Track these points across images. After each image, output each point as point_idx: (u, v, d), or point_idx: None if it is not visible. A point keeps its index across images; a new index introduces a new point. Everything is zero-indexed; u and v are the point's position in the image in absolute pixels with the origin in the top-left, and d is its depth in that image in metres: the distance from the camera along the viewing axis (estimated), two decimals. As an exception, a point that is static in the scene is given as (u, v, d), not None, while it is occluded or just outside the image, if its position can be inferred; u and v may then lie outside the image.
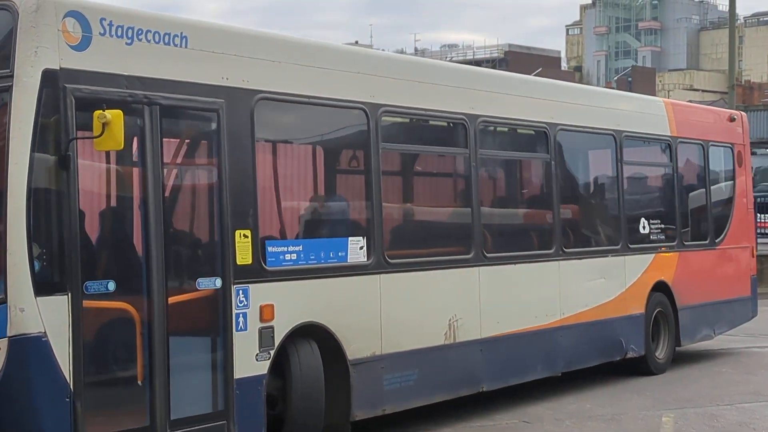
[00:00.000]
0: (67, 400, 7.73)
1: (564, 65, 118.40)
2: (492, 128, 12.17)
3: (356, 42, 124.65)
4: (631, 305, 14.24)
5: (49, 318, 7.63)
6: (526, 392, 12.69)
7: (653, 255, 14.78)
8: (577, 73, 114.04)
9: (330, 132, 10.72)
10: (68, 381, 7.73)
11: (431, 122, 11.55)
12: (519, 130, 12.83)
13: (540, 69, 72.40)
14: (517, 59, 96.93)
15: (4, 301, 7.54)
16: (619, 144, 14.23)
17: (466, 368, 11.53)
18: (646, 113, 15.06)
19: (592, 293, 13.44)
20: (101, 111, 7.72)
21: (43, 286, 7.63)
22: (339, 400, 10.03)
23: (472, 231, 11.63)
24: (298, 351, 9.53)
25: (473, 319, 11.54)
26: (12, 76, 7.68)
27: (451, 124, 11.65)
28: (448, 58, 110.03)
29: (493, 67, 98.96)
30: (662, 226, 15.04)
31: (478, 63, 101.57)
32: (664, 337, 15.05)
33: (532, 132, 12.94)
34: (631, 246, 14.28)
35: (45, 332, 7.61)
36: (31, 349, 7.59)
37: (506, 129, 12.60)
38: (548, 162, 12.92)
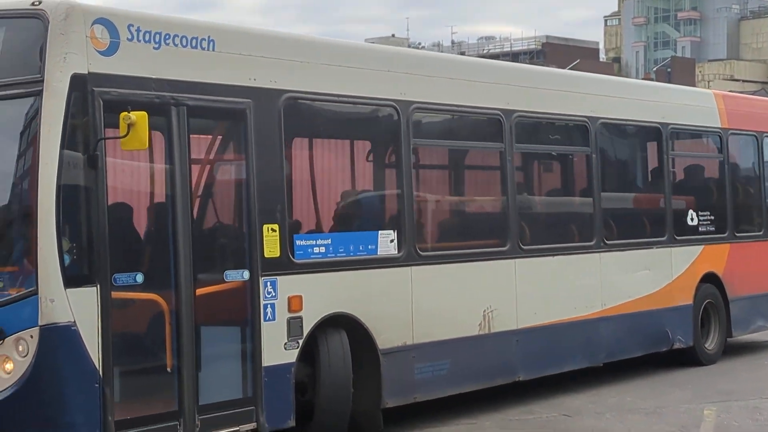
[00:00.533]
0: (96, 386, 8.18)
1: (602, 56, 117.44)
2: (528, 123, 12.40)
3: (393, 35, 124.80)
4: (679, 296, 14.37)
5: (78, 308, 8.09)
6: (566, 385, 12.89)
7: (702, 246, 14.87)
8: (615, 65, 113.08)
9: (360, 129, 11.08)
10: (97, 368, 8.18)
11: (465, 118, 11.83)
12: (557, 125, 13.06)
13: (578, 61, 71.76)
14: (555, 51, 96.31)
15: (35, 293, 8.00)
16: (666, 137, 14.36)
17: (502, 358, 11.80)
18: (694, 105, 15.14)
19: (636, 284, 13.62)
20: (126, 113, 8.17)
21: (72, 278, 8.08)
22: (370, 388, 10.38)
23: (508, 224, 11.90)
24: (327, 340, 9.90)
25: (509, 310, 11.81)
26: (42, 81, 8.14)
27: (486, 120, 11.93)
28: (485, 51, 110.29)
29: (531, 59, 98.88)
30: (712, 217, 15.13)
31: (515, 55, 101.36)
32: (715, 329, 15.14)
33: (572, 126, 13.15)
34: (678, 237, 14.41)
35: (74, 322, 8.07)
36: (60, 338, 8.04)
37: (543, 123, 12.85)
38: (589, 155, 13.12)
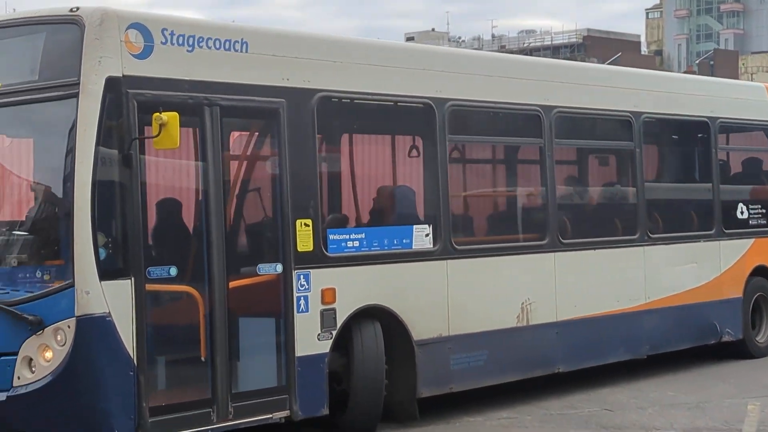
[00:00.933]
0: (131, 373, 8.59)
1: (644, 49, 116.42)
2: (568, 118, 12.58)
3: (433, 29, 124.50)
4: (727, 289, 14.44)
5: (113, 300, 8.50)
6: (608, 380, 13.00)
7: (753, 240, 14.91)
8: (657, 58, 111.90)
9: (395, 126, 11.37)
10: (132, 356, 8.59)
11: (502, 114, 12.05)
12: (598, 120, 13.22)
13: (619, 54, 70.89)
14: (596, 44, 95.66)
15: (71, 285, 8.43)
16: (714, 130, 14.43)
17: (541, 350, 12.01)
18: (744, 99, 15.18)
19: (683, 278, 13.74)
20: (158, 113, 8.56)
21: (107, 271, 8.49)
22: (405, 378, 10.68)
23: (547, 218, 12.11)
24: (360, 332, 10.21)
25: (548, 303, 12.02)
26: (79, 84, 8.56)
27: (525, 116, 12.15)
28: (525, 44, 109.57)
29: (571, 53, 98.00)
30: (763, 211, 15.15)
31: (556, 48, 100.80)
32: (766, 321, 15.17)
33: (615, 120, 13.31)
34: (726, 231, 14.47)
35: (109, 312, 8.48)
36: (96, 328, 8.46)
37: (585, 119, 13.02)
38: (632, 150, 13.27)
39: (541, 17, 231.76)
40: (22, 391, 8.59)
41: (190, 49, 9.20)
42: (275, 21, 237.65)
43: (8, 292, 8.79)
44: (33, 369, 8.58)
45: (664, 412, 11.53)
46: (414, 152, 11.53)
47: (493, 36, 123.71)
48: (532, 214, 12.37)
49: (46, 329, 8.51)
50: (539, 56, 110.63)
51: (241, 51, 9.56)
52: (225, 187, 9.34)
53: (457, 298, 11.10)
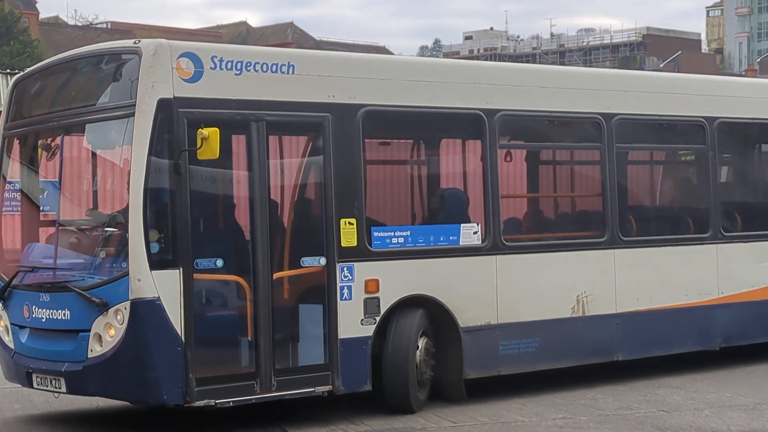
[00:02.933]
0: (179, 348, 10.16)
1: (704, 48, 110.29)
2: (632, 124, 13.48)
3: (491, 28, 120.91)
4: None
5: (162, 287, 10.10)
6: (665, 381, 13.45)
7: None
8: (717, 56, 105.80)
9: (444, 134, 12.55)
10: (179, 334, 10.16)
11: (558, 122, 13.10)
12: (667, 125, 14.02)
13: (679, 52, 67.63)
14: (656, 43, 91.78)
15: (126, 274, 10.12)
16: None
17: (598, 339, 12.96)
18: None
19: (759, 274, 14.31)
20: (201, 129, 10.14)
21: (157, 262, 10.11)
22: (454, 361, 11.89)
23: (605, 217, 13.04)
24: (398, 318, 11.45)
25: (607, 296, 12.97)
26: (135, 105, 10.23)
27: (583, 123, 13.15)
28: (584, 43, 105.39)
29: (631, 51, 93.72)
30: None
31: (615, 47, 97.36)
32: None
33: (687, 125, 14.10)
34: None
35: (159, 297, 10.09)
36: (147, 309, 10.10)
37: (652, 124, 13.86)
38: (705, 153, 14.00)
39: (601, 16, 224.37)
40: (94, 362, 10.35)
41: (238, 72, 10.71)
42: (334, 21, 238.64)
43: (83, 279, 10.56)
44: (101, 344, 10.31)
45: (721, 413, 11.76)
46: (466, 157, 12.69)
47: (551, 35, 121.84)
48: (589, 213, 13.35)
49: (109, 310, 10.22)
50: (598, 54, 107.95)
51: (288, 72, 11.00)
52: (269, 191, 10.79)
53: (507, 289, 12.21)
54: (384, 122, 11.77)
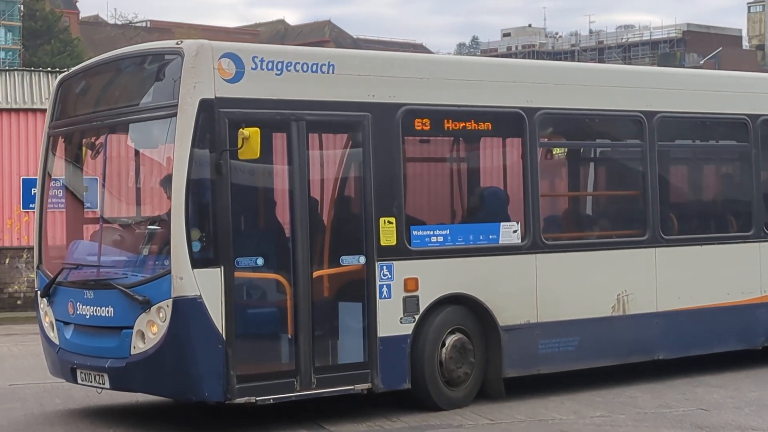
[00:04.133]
0: (220, 346, 10.26)
1: (745, 44, 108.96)
2: (673, 122, 13.45)
3: (529, 25, 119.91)
4: None
5: (204, 285, 10.20)
6: (705, 380, 13.41)
7: None
8: (759, 52, 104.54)
9: (484, 133, 12.53)
10: (221, 332, 10.26)
11: (598, 119, 13.10)
12: (709, 122, 13.98)
13: (720, 49, 66.83)
14: (696, 39, 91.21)
15: (168, 272, 10.23)
16: None
17: (638, 338, 12.94)
18: None
19: None
20: (241, 129, 10.23)
21: (198, 261, 10.21)
22: (494, 358, 11.92)
23: (647, 216, 13.02)
24: (434, 317, 11.46)
25: (647, 295, 12.95)
26: (177, 105, 10.33)
27: (624, 121, 13.16)
28: (623, 40, 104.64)
29: (671, 47, 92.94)
30: None
31: (655, 44, 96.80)
32: None
33: (729, 123, 14.06)
34: None
35: (200, 295, 10.20)
36: (189, 307, 10.20)
37: (693, 122, 13.83)
38: (748, 151, 13.96)
39: (640, 12, 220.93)
40: (137, 358, 10.47)
41: (278, 72, 10.79)
42: (371, 18, 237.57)
43: (127, 276, 10.69)
44: (144, 341, 10.42)
45: (762, 412, 11.67)
46: (505, 156, 12.71)
47: (590, 31, 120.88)
48: (631, 212, 13.33)
49: (152, 307, 10.34)
50: (637, 51, 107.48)
51: (328, 72, 11.07)
52: (309, 190, 10.88)
53: (547, 288, 12.23)
54: (423, 121, 11.80)
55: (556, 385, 12.72)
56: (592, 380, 12.99)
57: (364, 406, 11.59)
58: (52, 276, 11.49)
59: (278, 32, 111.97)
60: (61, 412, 12.00)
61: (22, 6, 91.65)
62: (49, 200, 12.11)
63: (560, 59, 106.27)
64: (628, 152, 13.52)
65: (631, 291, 12.83)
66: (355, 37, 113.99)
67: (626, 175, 13.57)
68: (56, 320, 11.45)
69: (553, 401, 12.19)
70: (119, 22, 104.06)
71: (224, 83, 10.46)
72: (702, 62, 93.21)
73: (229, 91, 10.47)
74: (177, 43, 10.64)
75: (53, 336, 11.53)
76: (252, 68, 10.65)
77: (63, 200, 12.15)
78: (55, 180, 12.12)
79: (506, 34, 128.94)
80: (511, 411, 11.69)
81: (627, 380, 13.16)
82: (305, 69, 10.96)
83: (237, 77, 10.55)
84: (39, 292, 11.75)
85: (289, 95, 10.82)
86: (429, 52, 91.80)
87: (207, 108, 10.30)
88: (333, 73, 11.11)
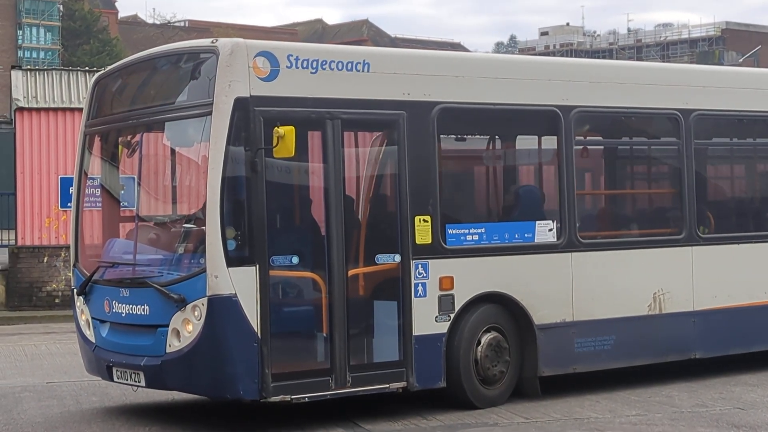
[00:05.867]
0: (255, 344, 10.27)
1: None
2: (710, 120, 13.37)
3: (567, 24, 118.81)
4: None
5: (239, 283, 10.21)
6: (743, 380, 13.30)
7: None
8: None
9: (519, 131, 12.51)
10: (256, 330, 10.27)
11: (635, 118, 13.02)
12: (747, 120, 13.87)
13: (759, 47, 66.10)
14: (735, 37, 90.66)
15: (204, 271, 10.24)
16: None
17: (675, 337, 12.85)
18: None
19: None
20: (277, 127, 10.23)
21: (233, 259, 10.22)
22: (529, 357, 11.88)
23: (684, 214, 12.93)
24: (469, 315, 11.44)
25: (684, 294, 12.86)
26: (212, 104, 10.35)
27: (660, 119, 13.07)
28: (662, 38, 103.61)
29: (710, 46, 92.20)
30: None
31: (693, 42, 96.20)
32: None
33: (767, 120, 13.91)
34: None
35: (235, 293, 10.21)
36: (224, 306, 10.22)
37: (730, 119, 13.75)
38: None
39: (678, 10, 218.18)
40: (172, 357, 10.49)
41: (314, 71, 10.79)
42: (409, 18, 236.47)
43: (162, 275, 10.72)
44: (179, 339, 10.44)
45: None
46: (541, 154, 12.66)
47: (628, 30, 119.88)
48: (668, 211, 13.25)
49: (187, 306, 10.36)
50: (676, 49, 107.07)
51: (363, 71, 11.06)
52: (344, 188, 10.86)
53: (583, 287, 12.17)
54: (459, 119, 11.78)
55: (592, 384, 12.67)
56: (628, 379, 12.94)
57: (400, 405, 11.59)
58: (89, 274, 11.55)
59: (316, 31, 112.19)
60: (97, 410, 12.06)
61: (61, 6, 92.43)
62: (86, 199, 12.17)
63: (598, 58, 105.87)
64: (664, 150, 13.44)
65: (667, 290, 12.75)
66: (392, 36, 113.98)
67: (663, 174, 13.50)
68: (92, 318, 11.50)
69: (588, 400, 12.16)
70: (158, 22, 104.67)
71: (259, 81, 10.47)
72: (741, 60, 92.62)
73: (264, 90, 10.49)
74: (212, 42, 10.65)
75: (89, 334, 11.58)
76: (287, 66, 10.65)
77: (99, 199, 12.21)
78: (92, 179, 12.18)
79: (544, 33, 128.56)
80: (546, 409, 11.68)
81: (663, 379, 13.10)
82: (340, 67, 10.95)
83: (272, 76, 10.56)
84: (75, 291, 11.82)
85: (324, 94, 10.81)
86: (466, 51, 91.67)
87: (242, 106, 10.31)
88: (368, 71, 11.10)
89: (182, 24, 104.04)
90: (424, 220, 11.22)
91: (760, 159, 14.53)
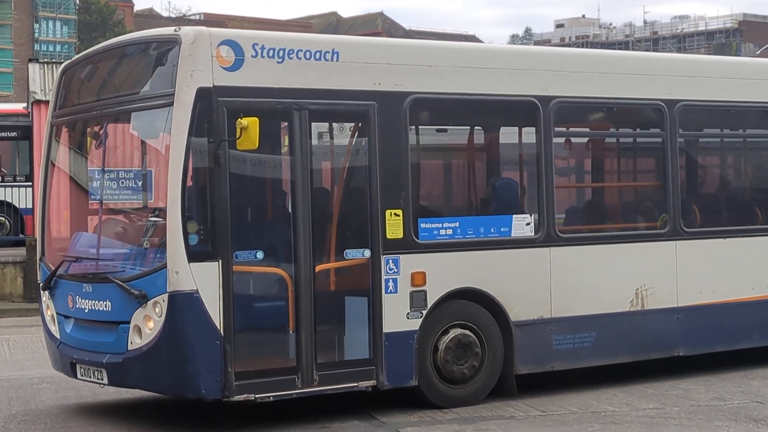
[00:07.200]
0: (217, 342, 9.99)
1: None
2: (696, 111, 13.01)
3: (583, 16, 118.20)
4: None
5: (200, 279, 9.93)
6: (759, 373, 13.08)
7: None
8: None
9: (495, 122, 12.18)
10: (218, 327, 9.99)
11: (617, 108, 12.65)
12: (732, 111, 13.50)
13: None
14: (752, 29, 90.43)
15: (165, 266, 9.97)
16: None
17: (658, 334, 12.51)
18: None
19: None
20: (240, 119, 9.95)
21: (195, 255, 9.94)
22: (506, 355, 11.57)
23: (667, 208, 12.59)
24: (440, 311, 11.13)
25: (667, 289, 12.52)
26: (173, 94, 10.07)
27: (644, 110, 12.73)
28: (678, 30, 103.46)
29: (727, 38, 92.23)
30: None
31: (710, 34, 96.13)
32: None
33: (755, 112, 13.60)
34: None
35: (197, 290, 9.93)
36: (185, 302, 9.94)
37: (714, 110, 13.37)
38: None
39: (695, 2, 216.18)
40: (133, 354, 10.23)
41: (280, 60, 10.50)
42: (424, 10, 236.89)
43: (124, 270, 10.46)
44: (141, 336, 10.18)
45: None
46: (517, 146, 12.33)
47: (645, 22, 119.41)
48: (650, 204, 12.89)
49: (148, 302, 10.09)
50: (692, 41, 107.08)
51: (332, 60, 10.75)
52: (312, 182, 10.56)
53: (561, 283, 11.84)
54: (432, 110, 11.48)
55: (608, 377, 12.49)
56: (644, 372, 12.76)
57: (417, 397, 11.34)
58: (53, 268, 11.31)
59: (330, 24, 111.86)
60: (114, 402, 11.90)
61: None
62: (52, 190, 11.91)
63: (614, 50, 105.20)
64: (647, 142, 13.10)
65: (650, 285, 12.42)
66: (407, 28, 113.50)
67: (646, 166, 13.16)
68: (57, 314, 11.26)
69: (605, 393, 12.02)
70: (173, 15, 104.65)
71: (223, 71, 10.19)
72: (758, 52, 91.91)
73: (228, 80, 10.20)
74: (175, 30, 10.36)
75: (54, 330, 11.34)
76: (252, 56, 10.36)
77: (67, 191, 11.96)
78: (59, 170, 11.92)
79: (559, 25, 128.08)
80: (563, 402, 11.55)
81: (680, 372, 12.88)
82: (308, 57, 10.66)
83: (236, 65, 10.28)
84: (41, 285, 11.56)
85: (291, 84, 10.52)
86: (481, 43, 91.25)
87: (204, 97, 10.04)
88: (337, 60, 10.80)
89: (197, 17, 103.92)
90: (396, 214, 10.93)
91: (747, 151, 14.18)
